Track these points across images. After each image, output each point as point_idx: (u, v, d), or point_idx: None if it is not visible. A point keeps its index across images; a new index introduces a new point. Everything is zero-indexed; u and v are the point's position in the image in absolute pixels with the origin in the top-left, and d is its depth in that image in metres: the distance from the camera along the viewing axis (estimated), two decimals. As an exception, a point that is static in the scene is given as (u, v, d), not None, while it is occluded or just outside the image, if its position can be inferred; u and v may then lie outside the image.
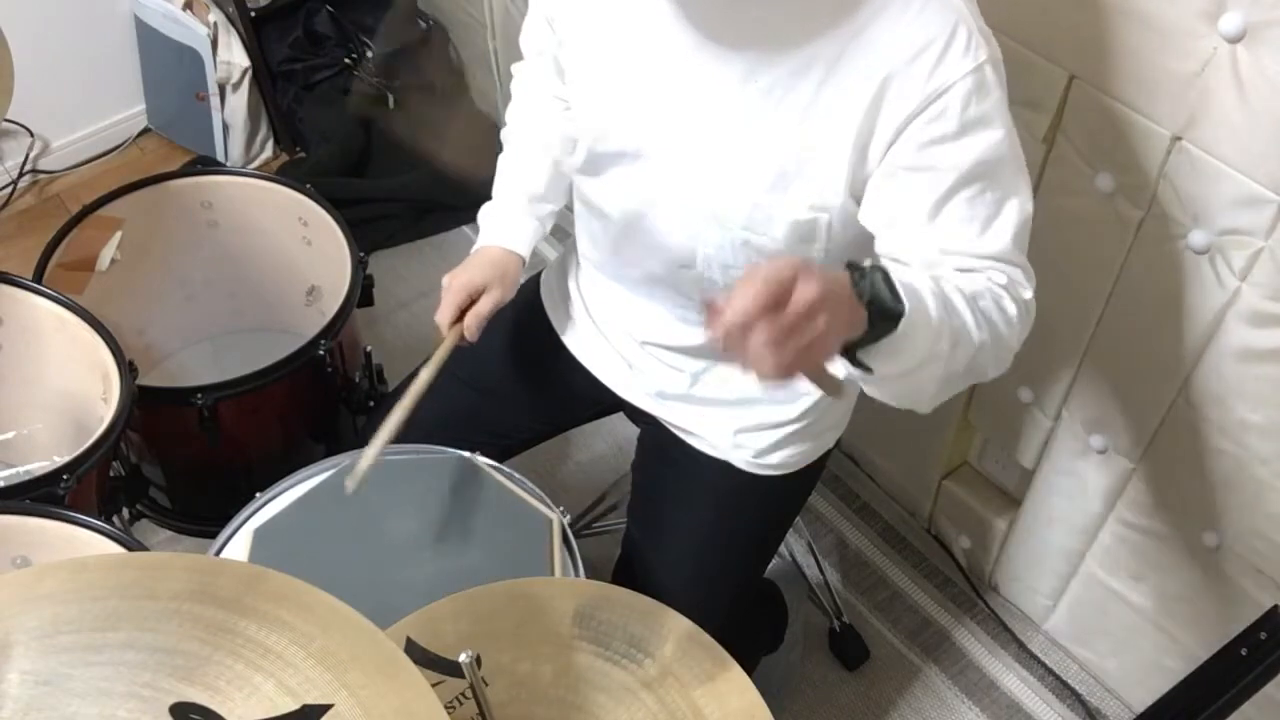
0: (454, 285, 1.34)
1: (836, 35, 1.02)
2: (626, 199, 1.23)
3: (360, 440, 1.43)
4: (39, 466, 1.42)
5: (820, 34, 1.02)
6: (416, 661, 0.94)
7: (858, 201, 1.09)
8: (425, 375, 1.29)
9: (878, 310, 0.89)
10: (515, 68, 1.43)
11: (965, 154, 1.01)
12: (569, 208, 1.39)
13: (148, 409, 1.58)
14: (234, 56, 2.53)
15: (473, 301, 1.34)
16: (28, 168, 2.59)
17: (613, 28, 1.15)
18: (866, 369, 0.93)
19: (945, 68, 0.99)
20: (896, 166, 1.04)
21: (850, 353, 0.92)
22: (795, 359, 0.81)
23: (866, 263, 0.92)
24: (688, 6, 1.07)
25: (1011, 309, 1.02)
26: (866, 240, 1.15)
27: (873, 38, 1.01)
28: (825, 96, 1.04)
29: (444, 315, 1.33)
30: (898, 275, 0.91)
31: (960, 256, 1.03)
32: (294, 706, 0.75)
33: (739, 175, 1.11)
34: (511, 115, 1.44)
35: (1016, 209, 1.04)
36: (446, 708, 0.89)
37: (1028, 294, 1.05)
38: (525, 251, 1.39)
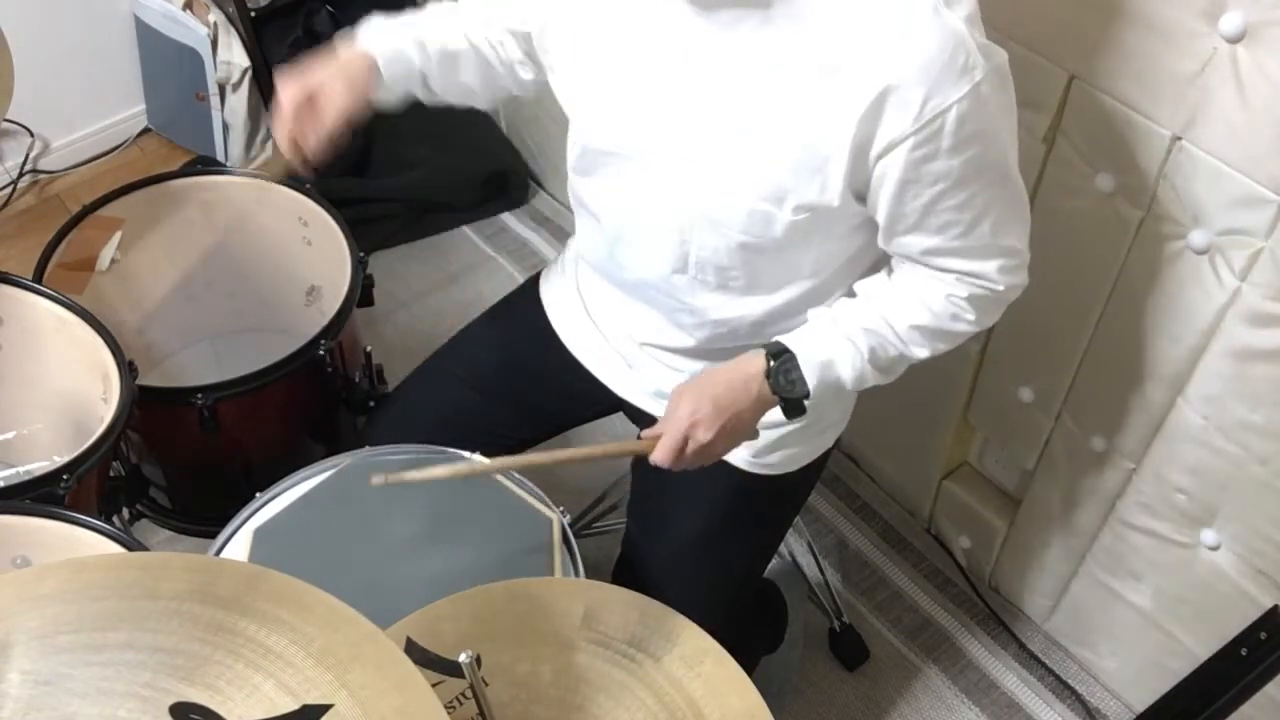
0: (288, 85, 1.22)
1: (836, 47, 1.02)
2: (620, 201, 1.23)
3: (361, 440, 1.43)
4: (39, 466, 1.42)
5: (820, 45, 1.03)
6: (416, 661, 0.94)
7: (857, 198, 1.10)
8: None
9: (783, 399, 1.17)
10: None
11: (956, 165, 1.05)
12: (569, 208, 1.39)
13: (148, 409, 1.58)
14: (234, 56, 2.53)
15: (309, 97, 1.22)
16: (28, 168, 2.59)
17: (610, 28, 1.15)
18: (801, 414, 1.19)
19: (941, 93, 1.01)
20: (888, 175, 1.06)
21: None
22: (704, 462, 1.17)
23: (781, 353, 1.15)
24: (667, 20, 1.08)
25: (970, 314, 1.17)
26: (860, 236, 1.17)
27: (873, 51, 1.01)
28: (824, 106, 1.04)
29: (280, 124, 1.21)
30: (815, 350, 1.15)
31: (942, 256, 1.13)
32: (294, 706, 0.75)
33: (737, 181, 1.11)
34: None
35: (1003, 214, 1.11)
36: (446, 708, 0.89)
37: (1000, 286, 1.15)
38: (379, 54, 1.26)
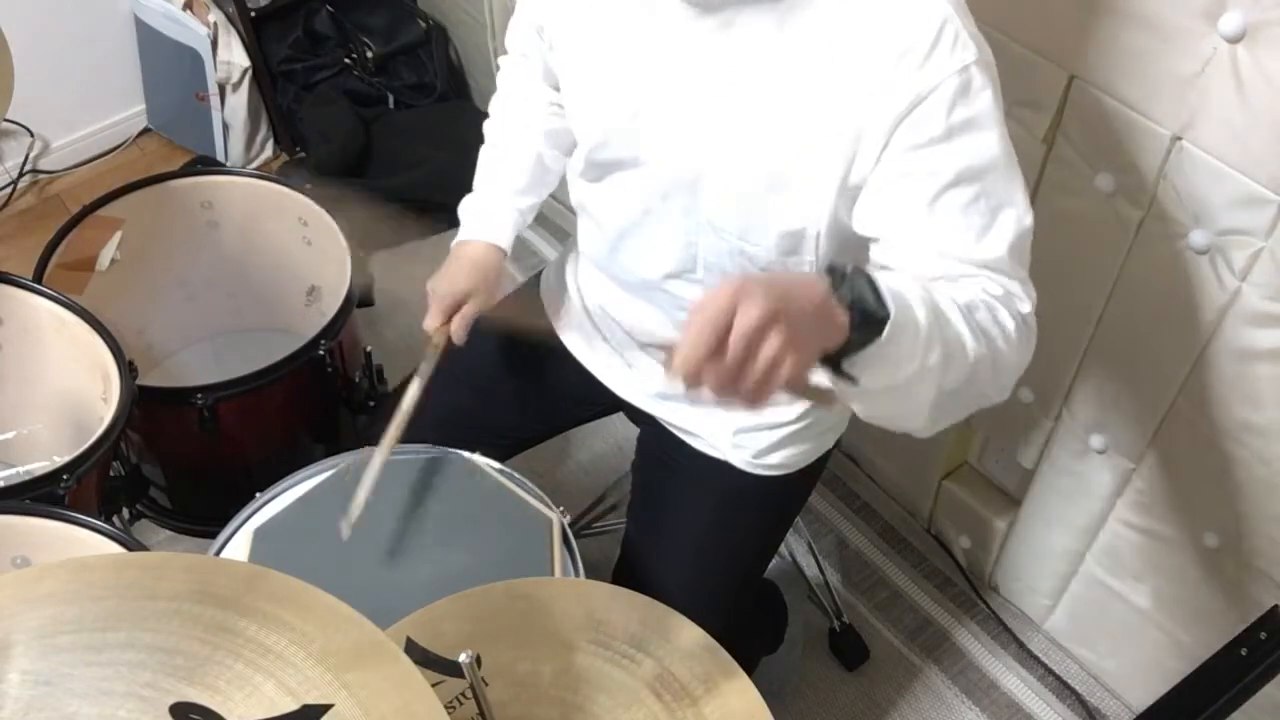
0: (439, 292, 1.35)
1: (825, 41, 1.02)
2: (624, 206, 1.23)
3: (360, 440, 1.43)
4: (39, 466, 1.42)
5: (808, 40, 1.02)
6: (416, 661, 0.94)
7: (848, 212, 1.08)
8: (415, 388, 1.31)
9: (860, 313, 0.85)
10: (501, 60, 1.43)
11: (954, 157, 1.00)
12: (569, 209, 1.39)
13: (148, 409, 1.58)
14: (234, 56, 2.53)
15: (459, 305, 1.34)
16: (28, 168, 2.60)
17: (606, 37, 1.15)
18: (852, 379, 0.88)
19: (930, 67, 0.99)
20: (888, 174, 1.03)
21: (836, 362, 0.88)
22: (758, 389, 0.80)
23: (849, 266, 0.88)
24: (666, 26, 1.08)
25: (1009, 323, 0.99)
26: (856, 256, 1.14)
27: (861, 40, 1.01)
28: (816, 101, 1.04)
29: (432, 322, 1.35)
30: (884, 281, 0.88)
31: (955, 261, 1.02)
32: (294, 706, 0.75)
33: (733, 183, 1.11)
34: (495, 108, 1.44)
35: (1013, 221, 1.02)
36: (446, 708, 0.89)
37: (1026, 308, 1.02)
38: (506, 244, 1.39)
